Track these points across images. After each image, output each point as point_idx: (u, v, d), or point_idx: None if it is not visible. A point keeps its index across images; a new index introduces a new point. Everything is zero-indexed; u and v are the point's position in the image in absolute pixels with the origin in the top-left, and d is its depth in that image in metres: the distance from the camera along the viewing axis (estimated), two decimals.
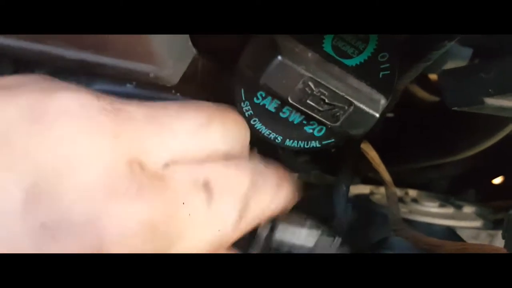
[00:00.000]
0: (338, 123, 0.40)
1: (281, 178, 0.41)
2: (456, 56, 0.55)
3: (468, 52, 0.55)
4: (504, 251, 0.48)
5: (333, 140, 0.44)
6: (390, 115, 0.81)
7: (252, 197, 0.36)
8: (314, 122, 0.42)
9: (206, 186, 0.33)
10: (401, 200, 0.86)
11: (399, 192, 0.88)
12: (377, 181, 0.81)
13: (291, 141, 0.44)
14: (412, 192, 0.88)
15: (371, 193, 0.85)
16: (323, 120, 0.40)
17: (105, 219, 0.24)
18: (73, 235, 0.24)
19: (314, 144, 0.44)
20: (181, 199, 0.29)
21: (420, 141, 0.82)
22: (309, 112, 0.40)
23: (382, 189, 0.84)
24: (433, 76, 0.76)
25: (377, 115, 0.40)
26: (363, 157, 0.62)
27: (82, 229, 0.24)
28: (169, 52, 0.35)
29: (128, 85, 0.42)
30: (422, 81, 0.77)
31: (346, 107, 0.39)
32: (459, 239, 0.71)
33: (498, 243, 0.90)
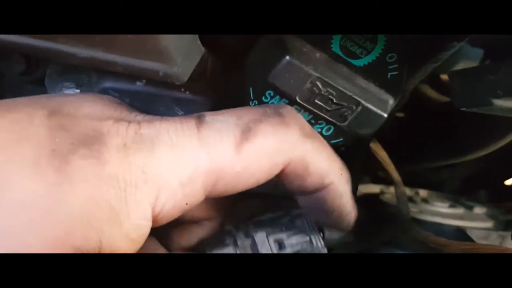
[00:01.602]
0: (346, 123, 0.40)
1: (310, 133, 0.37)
2: (467, 56, 0.55)
3: (479, 52, 0.55)
4: None
5: (341, 139, 0.44)
6: (401, 115, 0.81)
7: (260, 124, 0.35)
8: (322, 121, 0.42)
9: (199, 116, 0.35)
10: (411, 200, 0.86)
11: (409, 192, 0.88)
12: (388, 180, 0.81)
13: None
14: (423, 192, 0.88)
15: (381, 192, 0.85)
16: (331, 120, 0.41)
17: (105, 132, 0.32)
18: (85, 144, 0.30)
19: None
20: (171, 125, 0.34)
21: (432, 141, 0.81)
22: (317, 112, 0.40)
23: (392, 189, 0.84)
24: (445, 76, 0.75)
25: (385, 115, 0.40)
26: (372, 156, 0.62)
27: (92, 140, 0.31)
28: (178, 51, 0.35)
29: (138, 83, 0.43)
30: (434, 81, 0.76)
31: (354, 107, 0.39)
32: (469, 239, 0.71)
33: (509, 244, 0.89)
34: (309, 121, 0.43)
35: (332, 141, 0.44)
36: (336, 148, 0.45)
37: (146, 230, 0.32)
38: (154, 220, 0.32)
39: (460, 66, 0.57)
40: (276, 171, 0.36)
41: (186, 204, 0.33)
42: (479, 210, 0.86)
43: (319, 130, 0.43)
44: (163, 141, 0.32)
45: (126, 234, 0.30)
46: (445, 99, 0.79)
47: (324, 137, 0.44)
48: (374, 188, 0.85)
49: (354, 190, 0.60)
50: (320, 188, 0.39)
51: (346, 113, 0.40)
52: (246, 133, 0.34)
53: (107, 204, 0.29)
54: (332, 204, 0.40)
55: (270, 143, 0.35)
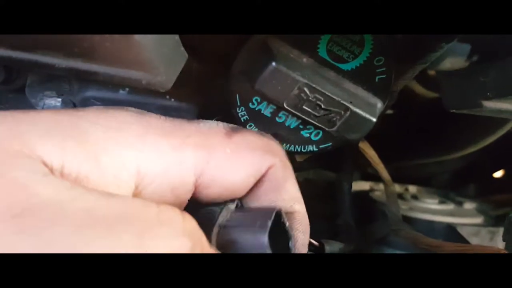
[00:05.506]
0: (334, 128, 0.40)
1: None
2: (455, 52, 0.55)
3: (466, 48, 0.55)
4: (504, 252, 0.48)
5: (330, 144, 0.44)
6: (389, 112, 0.81)
7: (246, 129, 0.38)
8: (311, 126, 0.42)
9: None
10: (401, 196, 0.86)
11: (399, 188, 0.87)
12: (377, 177, 0.81)
13: (288, 145, 0.44)
14: (412, 188, 0.88)
15: (371, 189, 0.85)
16: (320, 125, 0.40)
17: None
18: None
19: (311, 148, 0.44)
20: None
21: (422, 137, 0.81)
22: (305, 118, 0.40)
23: (381, 186, 0.83)
24: (432, 72, 0.75)
25: (374, 119, 0.39)
26: (361, 154, 0.62)
27: None
28: (160, 58, 0.34)
29: (121, 91, 0.42)
30: (422, 77, 0.76)
31: (342, 112, 0.39)
32: (460, 236, 0.71)
33: (499, 240, 0.90)
34: (297, 127, 0.42)
35: (321, 146, 0.44)
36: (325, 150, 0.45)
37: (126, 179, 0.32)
38: (139, 179, 0.32)
39: (448, 62, 0.56)
40: (262, 168, 0.37)
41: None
42: (469, 205, 0.86)
43: (308, 135, 0.43)
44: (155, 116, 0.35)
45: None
46: (433, 94, 0.79)
47: (313, 142, 0.43)
48: (364, 185, 0.85)
49: (349, 188, 0.60)
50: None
51: (334, 119, 0.39)
52: (235, 129, 0.37)
53: None
54: None
55: (257, 140, 0.37)
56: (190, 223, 0.30)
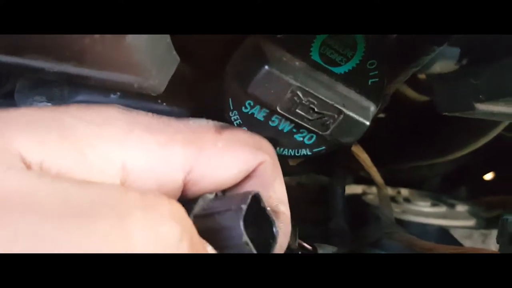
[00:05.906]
0: (328, 132, 0.40)
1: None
2: (444, 56, 0.55)
3: (455, 52, 0.55)
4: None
5: (323, 147, 0.43)
6: (381, 115, 0.81)
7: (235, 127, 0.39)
8: (304, 130, 0.42)
9: None
10: (393, 199, 0.86)
11: (391, 191, 0.88)
12: (370, 180, 0.81)
13: (281, 149, 0.44)
14: (405, 191, 0.88)
15: (364, 193, 0.85)
16: (313, 129, 0.40)
17: None
18: None
19: (305, 152, 0.44)
20: None
21: (414, 140, 0.81)
22: (299, 121, 0.39)
23: (374, 189, 0.84)
24: (422, 76, 0.75)
25: (367, 122, 0.39)
26: (354, 158, 0.62)
27: None
28: (152, 62, 0.34)
29: (112, 95, 0.41)
30: (412, 80, 0.76)
31: (336, 116, 0.39)
32: (453, 238, 0.71)
33: (491, 243, 0.90)
34: (290, 130, 0.42)
35: (314, 150, 0.43)
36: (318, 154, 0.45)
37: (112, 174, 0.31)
38: (125, 175, 0.31)
39: (438, 65, 0.56)
40: (253, 164, 0.37)
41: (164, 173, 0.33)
42: (461, 208, 0.87)
43: (301, 139, 0.42)
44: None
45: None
46: (423, 98, 0.79)
47: (306, 145, 0.43)
48: (356, 189, 0.85)
49: (342, 192, 0.60)
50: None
51: (328, 122, 0.39)
52: (225, 126, 0.38)
53: None
54: None
55: (247, 137, 0.38)
56: (178, 208, 0.28)
